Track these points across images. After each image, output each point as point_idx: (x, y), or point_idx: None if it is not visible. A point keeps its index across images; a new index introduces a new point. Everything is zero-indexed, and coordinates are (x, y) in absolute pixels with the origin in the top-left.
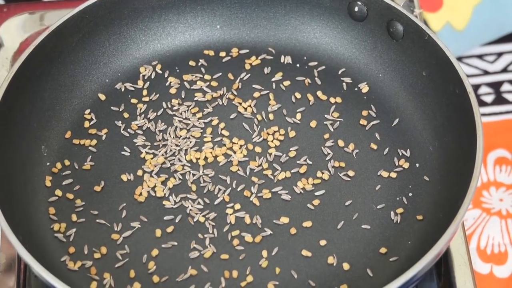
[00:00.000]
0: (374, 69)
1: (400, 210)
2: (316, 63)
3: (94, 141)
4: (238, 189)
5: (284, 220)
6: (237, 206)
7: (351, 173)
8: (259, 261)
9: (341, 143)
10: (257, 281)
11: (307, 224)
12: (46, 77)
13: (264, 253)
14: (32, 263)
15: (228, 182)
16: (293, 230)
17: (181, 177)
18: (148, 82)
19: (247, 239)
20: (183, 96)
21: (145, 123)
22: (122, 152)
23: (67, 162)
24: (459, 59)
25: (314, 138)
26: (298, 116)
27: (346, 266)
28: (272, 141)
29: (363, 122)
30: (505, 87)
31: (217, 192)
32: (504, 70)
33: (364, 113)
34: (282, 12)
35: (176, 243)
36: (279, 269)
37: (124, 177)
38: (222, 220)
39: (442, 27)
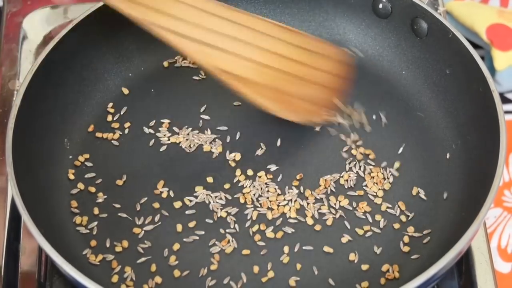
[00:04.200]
0: (397, 66)
1: (422, 208)
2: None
3: (117, 135)
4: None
5: (308, 215)
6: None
7: (373, 169)
8: (280, 256)
9: (363, 138)
10: (278, 277)
11: (329, 222)
12: (69, 71)
13: (286, 249)
14: (54, 256)
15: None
16: (317, 227)
17: None
18: None
19: (269, 235)
20: None
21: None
22: (144, 146)
23: (89, 156)
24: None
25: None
26: None
27: (367, 263)
28: None
29: (385, 119)
30: None
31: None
32: None
33: (387, 110)
34: (306, 9)
35: (197, 238)
36: (300, 265)
37: (146, 171)
38: (244, 215)
39: (507, 67)
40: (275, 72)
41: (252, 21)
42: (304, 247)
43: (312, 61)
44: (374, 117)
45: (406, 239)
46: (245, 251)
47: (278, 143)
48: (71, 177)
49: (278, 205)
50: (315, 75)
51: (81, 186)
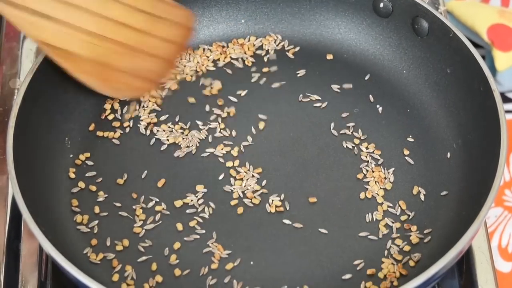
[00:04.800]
0: (398, 65)
1: (422, 207)
2: (340, 58)
3: (118, 134)
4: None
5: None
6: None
7: (375, 168)
8: (282, 255)
9: (364, 138)
10: (279, 276)
11: (333, 221)
12: None
13: (288, 248)
14: (55, 255)
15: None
16: (322, 230)
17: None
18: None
19: (270, 233)
20: None
21: (169, 116)
22: (145, 145)
23: (90, 154)
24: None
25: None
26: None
27: (368, 263)
28: None
29: (386, 119)
30: None
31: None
32: None
33: (387, 110)
34: (307, 7)
35: (198, 237)
36: (301, 264)
37: (147, 170)
38: (245, 213)
39: (508, 68)
40: (106, 43)
41: None
42: (304, 246)
43: (152, 27)
44: (374, 116)
45: (406, 238)
46: (246, 250)
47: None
48: (72, 176)
49: (281, 203)
50: (151, 44)
51: (81, 185)
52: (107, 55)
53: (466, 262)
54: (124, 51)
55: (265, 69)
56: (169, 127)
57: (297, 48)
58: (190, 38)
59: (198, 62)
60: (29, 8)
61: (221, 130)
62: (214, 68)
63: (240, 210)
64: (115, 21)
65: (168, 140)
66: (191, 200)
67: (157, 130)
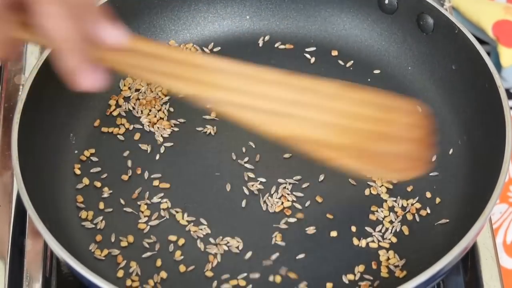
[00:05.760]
0: (403, 62)
1: (427, 204)
2: (345, 55)
3: (123, 130)
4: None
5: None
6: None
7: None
8: (288, 253)
9: None
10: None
11: (335, 213)
12: None
13: (294, 245)
14: (59, 251)
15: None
16: (333, 233)
17: None
18: None
19: (277, 229)
20: None
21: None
22: (150, 141)
23: (95, 150)
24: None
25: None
26: None
27: (373, 259)
28: None
29: None
30: None
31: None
32: None
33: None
34: (312, 4)
35: (203, 233)
36: (305, 261)
37: (152, 166)
38: (250, 210)
39: None
40: (356, 131)
41: (307, 83)
42: (310, 242)
43: (388, 115)
44: None
45: (411, 234)
46: (252, 247)
47: None
48: (77, 172)
49: (287, 200)
50: (397, 129)
51: (86, 181)
52: (362, 139)
53: (471, 259)
54: (375, 136)
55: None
56: (173, 124)
57: (303, 44)
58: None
59: None
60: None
61: (226, 128)
62: None
63: (243, 204)
64: (350, 112)
65: (172, 137)
66: (196, 196)
67: (162, 127)
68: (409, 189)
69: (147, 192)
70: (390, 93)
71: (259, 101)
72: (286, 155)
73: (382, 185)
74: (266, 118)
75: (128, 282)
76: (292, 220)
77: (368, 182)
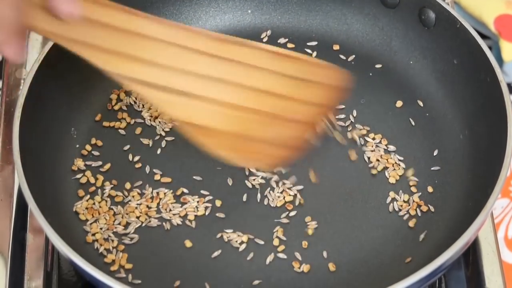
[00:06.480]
0: (405, 56)
1: (429, 198)
2: (346, 49)
3: (124, 124)
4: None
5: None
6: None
7: (381, 159)
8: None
9: (370, 128)
10: (284, 269)
11: (338, 211)
12: (76, 59)
13: (296, 238)
14: (60, 245)
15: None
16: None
17: None
18: None
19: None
20: None
21: None
22: (152, 136)
23: (97, 144)
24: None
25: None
26: None
27: (374, 254)
28: None
29: (392, 109)
30: None
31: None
32: None
33: (394, 100)
34: None
35: (209, 225)
36: (311, 263)
37: (153, 160)
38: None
39: None
40: (247, 113)
41: (236, 51)
42: (312, 236)
43: (297, 91)
44: (381, 107)
45: (413, 229)
46: (258, 240)
47: None
48: (78, 166)
49: (289, 194)
50: (294, 109)
51: (88, 174)
52: (249, 126)
53: (472, 253)
54: (265, 120)
55: None
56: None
57: (304, 39)
58: (339, 99)
59: None
60: (167, 87)
61: None
62: None
63: (244, 198)
64: (257, 90)
65: (173, 131)
66: (200, 190)
67: (163, 121)
68: (411, 183)
69: (150, 186)
70: (319, 62)
71: (171, 78)
72: None
73: (386, 179)
74: (167, 97)
75: (130, 277)
76: (293, 214)
77: (371, 178)
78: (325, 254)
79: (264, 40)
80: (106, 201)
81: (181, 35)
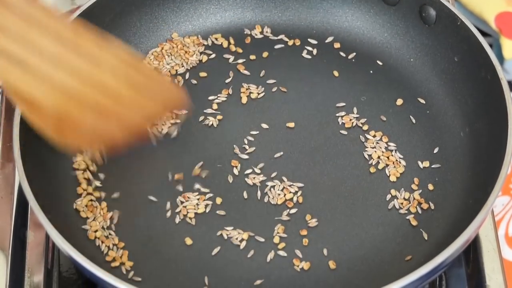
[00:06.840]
0: (405, 53)
1: (429, 196)
2: (347, 47)
3: None
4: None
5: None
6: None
7: (382, 156)
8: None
9: (371, 126)
10: (286, 266)
11: (339, 209)
12: None
13: (296, 236)
14: (61, 242)
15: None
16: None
17: None
18: None
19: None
20: None
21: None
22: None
23: None
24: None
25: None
26: None
27: (374, 251)
28: None
29: (393, 107)
30: None
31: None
32: None
33: (395, 98)
34: None
35: (209, 222)
36: (311, 260)
37: (155, 156)
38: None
39: None
40: (77, 97)
41: (87, 46)
42: (313, 233)
43: (134, 93)
44: (381, 104)
45: (413, 226)
46: (259, 238)
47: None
48: (79, 162)
49: (290, 192)
50: (126, 105)
51: (88, 171)
52: (76, 110)
53: (473, 251)
54: (96, 108)
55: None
56: (175, 115)
57: (304, 36)
58: (174, 108)
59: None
60: (6, 50)
61: (228, 119)
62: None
63: (245, 196)
64: (95, 80)
65: (173, 128)
66: (200, 188)
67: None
68: (412, 181)
69: (151, 183)
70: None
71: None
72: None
73: (387, 177)
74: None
75: (131, 275)
76: (293, 211)
77: (371, 175)
78: (325, 251)
79: (262, 36)
80: (106, 199)
81: (38, 14)
